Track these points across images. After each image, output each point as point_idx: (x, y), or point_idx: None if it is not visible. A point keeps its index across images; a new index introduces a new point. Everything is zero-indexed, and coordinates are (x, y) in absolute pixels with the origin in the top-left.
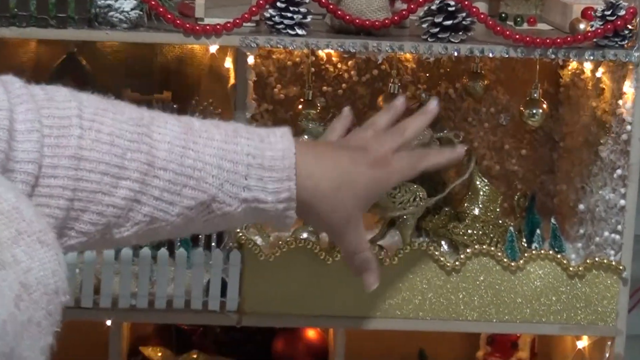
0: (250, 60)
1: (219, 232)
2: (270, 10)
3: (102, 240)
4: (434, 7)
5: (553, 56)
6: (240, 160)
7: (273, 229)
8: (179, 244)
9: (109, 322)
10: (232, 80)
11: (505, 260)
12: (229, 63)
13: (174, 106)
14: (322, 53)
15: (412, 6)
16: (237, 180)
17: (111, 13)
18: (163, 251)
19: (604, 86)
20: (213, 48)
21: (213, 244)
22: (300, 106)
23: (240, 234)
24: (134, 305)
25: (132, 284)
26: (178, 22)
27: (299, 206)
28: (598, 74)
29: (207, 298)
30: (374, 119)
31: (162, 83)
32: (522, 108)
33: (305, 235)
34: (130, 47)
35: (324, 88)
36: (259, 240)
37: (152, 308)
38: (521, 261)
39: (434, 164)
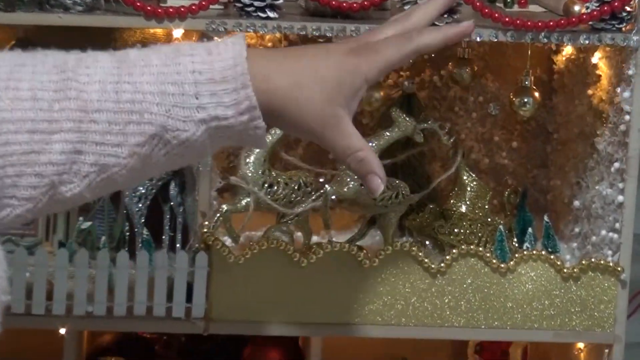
0: None
1: (184, 232)
2: None
3: (52, 202)
4: None
5: (545, 40)
6: (185, 79)
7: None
8: (140, 245)
9: (63, 331)
10: None
11: (494, 261)
12: None
13: None
14: (296, 38)
15: None
16: (186, 101)
17: None
18: (123, 253)
19: (600, 73)
20: (177, 33)
21: (178, 245)
22: None
23: (208, 234)
24: (90, 312)
25: (89, 289)
26: (138, 4)
27: (265, 114)
28: (594, 60)
29: (171, 304)
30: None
31: None
32: (512, 97)
33: (278, 235)
34: (86, 32)
35: None
36: (227, 240)
37: (110, 315)
38: (512, 262)
39: (429, 44)
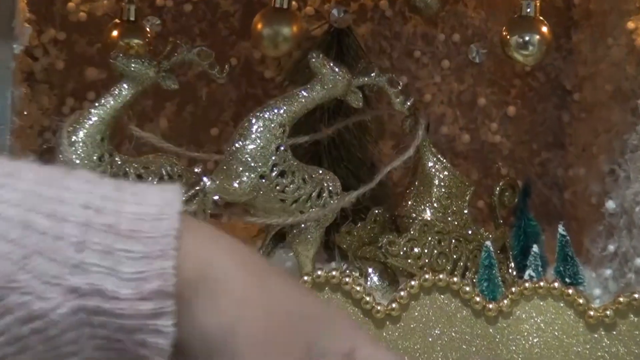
0: None
1: None
2: None
3: None
4: None
5: None
6: (69, 214)
7: None
8: None
9: None
10: None
11: (478, 299)
12: None
13: None
14: None
15: None
16: (58, 250)
17: None
18: None
19: None
20: None
21: None
22: (115, 32)
23: None
24: None
25: None
26: None
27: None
28: None
29: None
30: None
31: None
32: (506, 34)
33: None
34: None
35: (159, 1)
36: None
37: None
38: (506, 301)
39: None
